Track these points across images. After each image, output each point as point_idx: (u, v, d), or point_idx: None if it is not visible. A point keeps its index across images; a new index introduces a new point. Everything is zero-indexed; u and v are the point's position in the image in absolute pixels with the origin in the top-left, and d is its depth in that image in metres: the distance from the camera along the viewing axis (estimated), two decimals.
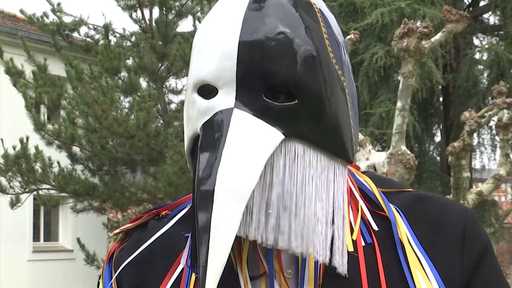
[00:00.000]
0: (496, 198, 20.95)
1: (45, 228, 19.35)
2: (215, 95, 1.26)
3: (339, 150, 1.29)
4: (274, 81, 1.23)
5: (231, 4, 1.29)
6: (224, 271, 1.26)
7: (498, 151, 10.01)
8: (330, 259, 1.26)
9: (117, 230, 1.49)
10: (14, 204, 13.14)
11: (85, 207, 13.63)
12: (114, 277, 1.42)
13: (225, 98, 1.24)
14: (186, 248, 1.35)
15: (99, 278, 1.47)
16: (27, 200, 13.57)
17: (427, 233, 1.36)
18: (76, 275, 17.98)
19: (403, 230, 1.35)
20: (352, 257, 1.30)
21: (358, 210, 1.37)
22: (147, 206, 13.87)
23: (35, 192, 13.42)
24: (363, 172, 1.47)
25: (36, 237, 18.82)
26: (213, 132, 1.23)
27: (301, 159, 1.24)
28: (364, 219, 1.36)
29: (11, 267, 17.49)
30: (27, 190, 12.96)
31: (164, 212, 1.48)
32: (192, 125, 1.29)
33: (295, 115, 1.24)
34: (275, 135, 1.22)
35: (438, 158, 18.17)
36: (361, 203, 1.38)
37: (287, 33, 1.24)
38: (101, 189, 12.74)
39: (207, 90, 1.27)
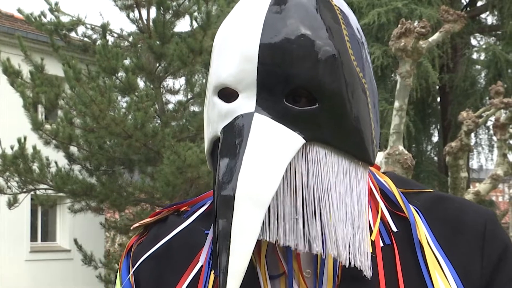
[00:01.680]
0: (494, 198, 20.97)
1: (42, 228, 19.33)
2: (235, 99, 1.25)
3: (361, 153, 1.28)
4: (295, 85, 1.22)
5: (252, 5, 1.28)
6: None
7: (496, 151, 10.02)
8: (354, 261, 1.25)
9: (137, 224, 1.49)
10: (11, 204, 13.12)
11: (82, 207, 13.61)
12: (132, 271, 1.42)
13: (246, 102, 1.24)
14: (205, 246, 1.36)
15: (117, 271, 1.47)
16: (25, 200, 13.55)
17: (446, 234, 1.35)
18: (74, 275, 17.97)
19: (422, 232, 1.34)
20: (371, 258, 1.30)
21: (378, 211, 1.37)
22: (144, 206, 13.87)
23: (32, 192, 13.40)
24: (384, 173, 1.46)
25: (33, 237, 18.81)
26: (234, 137, 1.22)
27: (323, 163, 1.23)
28: (383, 220, 1.36)
29: (9, 267, 17.47)
30: (24, 190, 12.94)
31: (184, 208, 1.48)
32: (212, 127, 1.29)
33: (316, 119, 1.23)
34: (295, 140, 1.22)
35: (435, 158, 18.21)
36: (381, 204, 1.38)
37: (308, 36, 1.23)
38: (99, 189, 12.72)
39: (227, 93, 1.27)
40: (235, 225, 1.18)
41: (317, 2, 1.27)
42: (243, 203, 1.18)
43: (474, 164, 18.52)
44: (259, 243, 1.29)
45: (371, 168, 1.43)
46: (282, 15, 1.25)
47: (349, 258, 1.24)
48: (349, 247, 1.24)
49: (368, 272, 1.26)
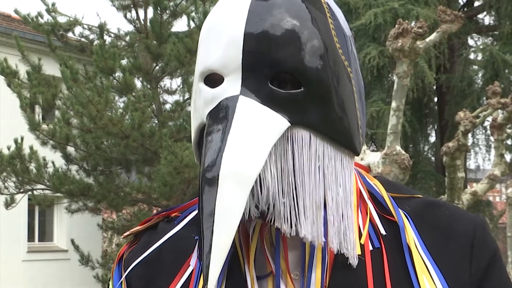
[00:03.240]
0: (491, 198, 20.98)
1: (39, 228, 19.32)
2: (221, 83, 1.26)
3: (346, 140, 1.28)
4: (279, 68, 1.23)
5: None
6: (231, 270, 1.29)
7: (493, 151, 10.03)
8: (340, 248, 1.26)
9: (127, 233, 1.49)
10: (8, 204, 13.12)
11: (79, 207, 13.62)
12: (123, 276, 1.42)
13: (231, 86, 1.24)
14: (195, 251, 1.36)
15: (109, 280, 1.47)
16: (22, 200, 13.54)
17: (435, 239, 1.35)
18: (71, 275, 17.96)
19: (411, 236, 1.34)
20: (359, 261, 1.30)
21: (367, 214, 1.37)
22: (141, 206, 13.87)
23: (29, 192, 13.39)
24: (374, 176, 1.46)
25: (30, 237, 18.80)
26: (219, 120, 1.23)
27: (308, 147, 1.24)
28: (372, 223, 1.36)
29: (5, 267, 17.46)
30: (21, 190, 12.93)
31: (174, 214, 1.48)
32: (198, 114, 1.30)
33: (301, 102, 1.24)
34: (280, 122, 1.22)
35: (432, 158, 18.21)
36: (370, 206, 1.38)
37: (293, 23, 1.24)
38: (96, 189, 12.72)
39: (213, 79, 1.27)
40: (219, 203, 1.18)
41: None
42: (227, 182, 1.18)
43: (471, 164, 18.54)
44: (247, 243, 1.30)
45: (361, 170, 1.43)
46: (268, 4, 1.26)
47: (336, 243, 1.25)
48: (336, 234, 1.25)
49: (353, 261, 1.27)
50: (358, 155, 1.32)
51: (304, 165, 1.23)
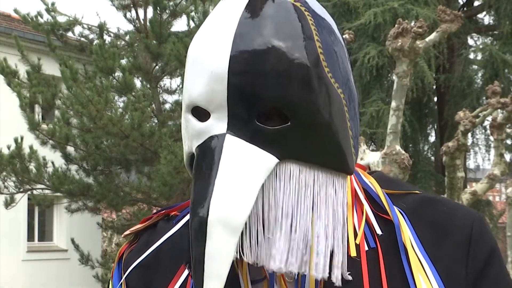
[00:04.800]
0: (491, 198, 20.98)
1: (39, 228, 19.33)
2: (208, 118, 1.24)
3: (338, 164, 1.26)
4: (266, 105, 1.21)
5: (223, 19, 1.26)
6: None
7: (492, 151, 10.02)
8: (330, 273, 1.24)
9: (127, 232, 1.48)
10: (8, 204, 13.12)
11: (79, 207, 13.62)
12: (123, 278, 1.42)
13: (217, 123, 1.22)
14: None
15: (109, 280, 1.47)
16: (22, 200, 13.54)
17: (432, 237, 1.34)
18: (71, 275, 17.96)
19: (406, 235, 1.33)
20: (355, 262, 1.29)
21: (362, 213, 1.36)
22: (141, 206, 13.88)
23: (29, 192, 13.40)
24: (371, 173, 1.45)
25: (30, 237, 18.80)
26: (206, 158, 1.22)
27: (296, 179, 1.22)
28: (368, 223, 1.35)
29: (5, 267, 17.46)
30: (21, 190, 12.93)
31: (174, 213, 1.47)
32: (187, 143, 1.29)
33: (289, 137, 1.22)
34: (268, 160, 1.21)
35: (432, 158, 18.22)
36: (366, 206, 1.37)
37: (279, 52, 1.21)
38: (96, 189, 12.72)
39: (200, 111, 1.25)
40: (208, 251, 1.18)
41: (286, 12, 1.24)
42: (216, 229, 1.17)
43: (471, 164, 18.54)
44: None
45: (357, 168, 1.41)
46: (252, 30, 1.22)
47: (323, 272, 1.23)
48: (323, 260, 1.23)
49: (339, 283, 1.24)
50: (351, 174, 1.31)
51: (292, 197, 1.21)
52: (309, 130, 1.22)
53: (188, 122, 1.28)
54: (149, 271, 1.42)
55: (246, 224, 1.20)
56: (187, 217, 1.42)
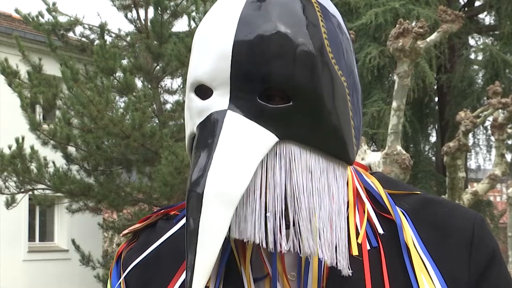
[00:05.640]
0: (492, 198, 20.98)
1: (40, 228, 19.32)
2: (210, 96, 1.25)
3: (339, 152, 1.27)
4: (268, 83, 1.22)
5: (229, 3, 1.28)
6: (228, 272, 1.28)
7: (493, 151, 10.03)
8: (335, 262, 1.24)
9: (126, 231, 1.48)
10: (9, 204, 13.12)
11: (80, 207, 13.61)
12: (122, 278, 1.42)
13: (220, 99, 1.23)
14: None
15: (107, 279, 1.47)
16: (23, 200, 13.54)
17: (434, 237, 1.33)
18: (72, 275, 17.95)
19: (409, 234, 1.33)
20: (357, 261, 1.29)
21: (364, 213, 1.35)
22: (142, 206, 13.87)
23: (30, 192, 13.39)
24: (372, 173, 1.45)
25: (31, 237, 18.79)
26: (207, 134, 1.22)
27: (297, 161, 1.22)
28: (370, 222, 1.35)
29: (6, 267, 17.45)
30: (22, 190, 12.93)
31: (173, 212, 1.47)
32: (189, 124, 1.29)
33: (290, 117, 1.22)
34: (268, 138, 1.21)
35: (433, 158, 18.22)
36: (368, 205, 1.36)
37: (284, 34, 1.22)
38: (97, 189, 12.72)
39: (203, 90, 1.26)
40: (202, 223, 1.18)
41: None
42: (211, 201, 1.18)
43: (472, 164, 18.55)
44: (244, 244, 1.29)
45: (358, 168, 1.42)
46: (258, 13, 1.24)
47: (330, 257, 1.23)
48: (329, 245, 1.23)
49: (346, 271, 1.25)
50: (351, 164, 1.31)
51: (294, 179, 1.21)
52: (311, 112, 1.23)
53: (191, 101, 1.28)
54: (148, 271, 1.41)
55: (243, 200, 1.20)
56: None
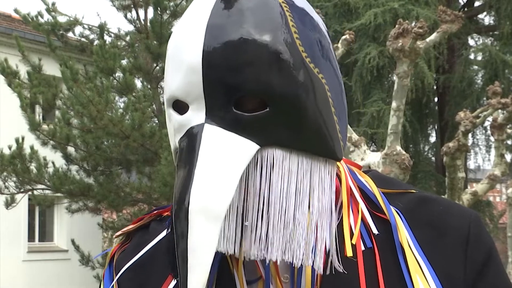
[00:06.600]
0: (491, 199, 20.98)
1: (40, 228, 19.32)
2: (187, 110, 1.23)
3: (324, 150, 1.24)
4: (242, 92, 1.20)
5: (196, 12, 1.25)
6: (220, 275, 1.27)
7: (493, 151, 10.03)
8: (311, 262, 1.23)
9: (119, 232, 1.47)
10: (9, 204, 13.13)
11: (80, 207, 13.62)
12: (115, 280, 1.41)
13: (196, 114, 1.21)
14: None
15: (101, 281, 1.46)
16: (22, 200, 13.55)
17: (429, 236, 1.32)
18: (71, 275, 17.96)
19: (403, 234, 1.32)
20: (351, 262, 1.28)
21: (358, 212, 1.34)
22: (142, 206, 13.87)
23: (30, 192, 13.40)
24: (366, 172, 1.44)
25: (31, 237, 18.79)
26: (187, 149, 1.21)
27: (279, 166, 1.20)
28: (364, 222, 1.34)
29: (6, 267, 17.46)
30: (22, 190, 12.94)
31: (166, 213, 1.46)
32: (172, 139, 1.28)
33: (268, 123, 1.20)
34: (249, 147, 1.19)
35: (433, 158, 18.22)
36: (362, 205, 1.35)
37: (252, 39, 1.19)
38: (96, 189, 12.72)
39: (180, 105, 1.25)
40: (190, 241, 1.16)
41: (259, 2, 1.23)
42: (197, 218, 1.16)
43: (471, 164, 18.53)
44: None
45: (352, 167, 1.41)
46: (225, 20, 1.21)
47: (303, 259, 1.21)
48: (306, 247, 1.21)
49: (320, 271, 1.24)
50: (339, 160, 1.28)
51: (274, 185, 1.20)
52: (289, 115, 1.21)
53: (171, 116, 1.27)
54: (141, 273, 1.40)
55: (228, 213, 1.19)
56: None
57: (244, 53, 1.19)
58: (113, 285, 1.42)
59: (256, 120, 1.20)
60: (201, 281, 1.16)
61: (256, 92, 1.20)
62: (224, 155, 1.18)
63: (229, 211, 1.19)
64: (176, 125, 1.25)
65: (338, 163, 1.31)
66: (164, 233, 1.41)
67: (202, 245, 1.16)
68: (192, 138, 1.20)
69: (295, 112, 1.21)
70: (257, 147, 1.20)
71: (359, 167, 1.44)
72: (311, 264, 1.22)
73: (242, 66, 1.19)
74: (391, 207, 1.35)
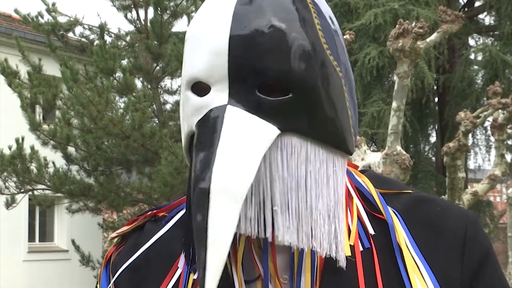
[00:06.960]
0: (491, 199, 20.98)
1: (40, 228, 19.32)
2: (208, 92, 1.24)
3: (338, 142, 1.26)
4: (266, 77, 1.21)
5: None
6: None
7: (493, 152, 10.04)
8: (330, 252, 1.24)
9: (114, 234, 1.47)
10: (9, 204, 13.12)
11: (80, 208, 13.61)
12: (112, 282, 1.41)
13: (218, 95, 1.22)
14: (183, 253, 1.33)
15: (97, 283, 1.46)
16: (23, 200, 13.54)
17: (426, 237, 1.33)
18: (71, 275, 17.97)
19: (401, 235, 1.32)
20: (350, 263, 1.28)
21: (355, 213, 1.34)
22: (142, 206, 13.87)
23: (30, 192, 13.40)
24: (363, 172, 1.44)
25: (31, 237, 18.80)
26: (208, 130, 1.21)
27: (298, 153, 1.22)
28: (361, 222, 1.34)
29: (6, 267, 17.45)
30: (22, 190, 12.93)
31: (162, 214, 1.46)
32: (187, 122, 1.28)
33: (290, 109, 1.22)
34: (270, 131, 1.20)
35: (433, 158, 18.22)
36: (359, 205, 1.36)
37: (279, 27, 1.22)
38: (96, 189, 12.72)
39: (200, 87, 1.25)
40: (211, 219, 1.16)
41: None
42: (219, 197, 1.16)
43: (471, 164, 18.54)
44: (235, 245, 1.28)
45: (349, 167, 1.41)
46: (252, 8, 1.23)
47: (327, 249, 1.23)
48: (327, 237, 1.23)
49: (343, 263, 1.25)
50: (351, 154, 1.30)
51: (293, 171, 1.21)
52: (310, 104, 1.22)
53: (188, 99, 1.27)
54: (138, 274, 1.40)
55: (250, 194, 1.19)
56: (176, 218, 1.42)
57: (272, 40, 1.21)
58: (110, 287, 1.41)
59: (279, 105, 1.21)
60: (221, 258, 1.16)
61: (280, 79, 1.21)
62: (246, 137, 1.19)
63: (251, 192, 1.19)
64: (194, 106, 1.25)
65: None
66: (160, 233, 1.41)
67: (223, 224, 1.16)
68: (214, 118, 1.21)
69: (315, 101, 1.23)
70: (278, 131, 1.21)
71: (356, 167, 1.45)
72: (334, 255, 1.24)
73: (269, 51, 1.21)
74: (389, 207, 1.36)
